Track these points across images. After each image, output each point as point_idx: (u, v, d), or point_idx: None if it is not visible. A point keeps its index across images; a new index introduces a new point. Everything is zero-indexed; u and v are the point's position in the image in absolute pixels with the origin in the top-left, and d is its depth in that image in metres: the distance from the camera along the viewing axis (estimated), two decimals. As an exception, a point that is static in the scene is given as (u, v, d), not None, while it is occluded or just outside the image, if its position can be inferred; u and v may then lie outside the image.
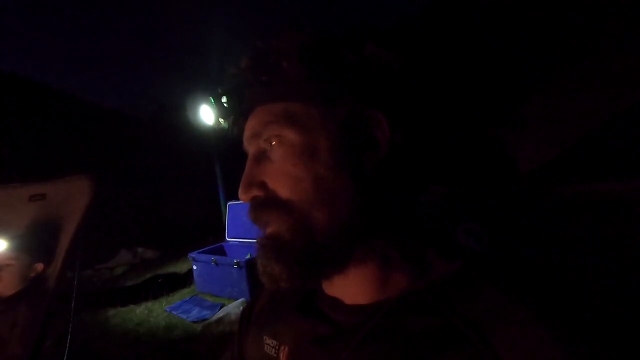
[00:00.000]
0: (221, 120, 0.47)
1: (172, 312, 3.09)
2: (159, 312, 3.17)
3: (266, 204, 0.40)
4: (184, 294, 3.54)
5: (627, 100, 1.24)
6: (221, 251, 3.73)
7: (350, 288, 0.41)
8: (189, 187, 4.03)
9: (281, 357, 0.44)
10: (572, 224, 0.73)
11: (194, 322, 2.83)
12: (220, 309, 2.98)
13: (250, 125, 0.43)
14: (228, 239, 3.79)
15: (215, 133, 0.51)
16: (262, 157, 0.42)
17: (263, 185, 0.41)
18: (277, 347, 0.45)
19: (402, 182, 0.41)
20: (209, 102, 0.47)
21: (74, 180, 1.45)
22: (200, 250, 3.59)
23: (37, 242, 1.42)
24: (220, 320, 2.71)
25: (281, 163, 0.40)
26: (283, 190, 0.39)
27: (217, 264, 3.23)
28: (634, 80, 1.24)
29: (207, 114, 0.51)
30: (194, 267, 3.51)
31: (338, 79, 0.40)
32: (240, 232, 3.64)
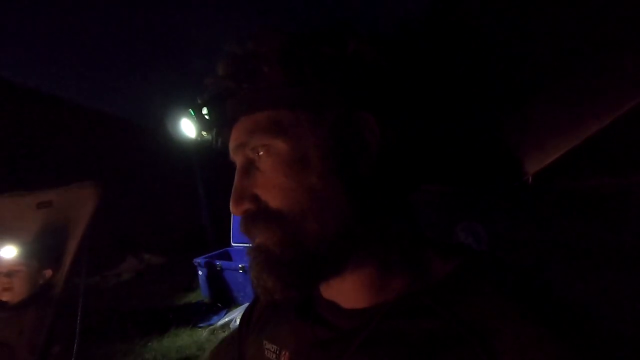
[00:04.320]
0: (204, 133, 0.44)
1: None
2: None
3: (258, 217, 0.39)
4: (190, 299, 3.55)
5: (630, 100, 1.22)
6: (226, 256, 3.73)
7: (349, 292, 0.41)
8: (195, 194, 4.06)
9: None
10: (573, 223, 0.73)
11: (200, 327, 2.84)
12: (225, 314, 2.99)
13: (235, 136, 0.41)
14: (233, 244, 3.80)
15: (200, 145, 0.47)
16: (250, 168, 0.40)
17: (255, 198, 0.39)
18: (277, 352, 0.45)
19: (395, 183, 0.40)
20: (189, 115, 0.44)
21: (80, 187, 1.47)
22: (206, 255, 3.60)
23: (45, 249, 1.44)
24: (225, 326, 2.72)
25: (272, 174, 0.38)
26: (275, 202, 0.38)
27: (222, 269, 3.24)
28: (636, 81, 1.23)
29: (188, 127, 0.47)
30: (200, 273, 3.52)
31: (324, 81, 0.38)
32: (245, 237, 3.63)
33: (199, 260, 3.49)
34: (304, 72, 0.37)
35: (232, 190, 0.40)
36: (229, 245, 3.85)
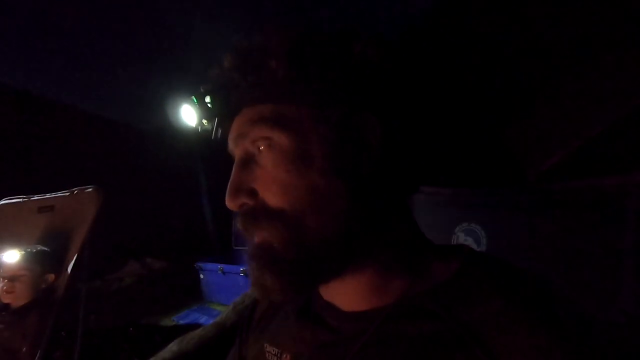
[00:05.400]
0: (204, 121, 0.44)
1: (180, 321, 3.09)
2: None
3: (256, 213, 0.38)
4: (192, 303, 3.55)
5: (631, 101, 1.22)
6: (228, 260, 3.73)
7: (349, 294, 0.41)
8: (197, 197, 4.06)
9: None
10: (573, 223, 0.73)
11: (202, 331, 2.83)
12: (227, 317, 2.98)
13: (236, 126, 0.41)
14: (235, 248, 3.80)
15: (202, 147, 0.47)
16: (250, 161, 0.39)
17: (252, 192, 0.38)
18: (278, 355, 0.45)
19: (396, 184, 0.40)
20: (191, 102, 0.43)
21: (82, 192, 1.47)
22: (207, 259, 3.60)
23: (47, 253, 1.44)
24: (227, 329, 2.71)
25: (272, 169, 0.37)
26: (274, 198, 0.37)
27: (224, 273, 3.24)
28: (637, 82, 1.23)
29: (189, 115, 0.46)
30: (201, 276, 3.52)
31: (328, 80, 0.38)
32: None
33: (200, 264, 3.49)
34: (309, 69, 0.37)
35: (229, 182, 0.39)
36: (231, 248, 3.85)
